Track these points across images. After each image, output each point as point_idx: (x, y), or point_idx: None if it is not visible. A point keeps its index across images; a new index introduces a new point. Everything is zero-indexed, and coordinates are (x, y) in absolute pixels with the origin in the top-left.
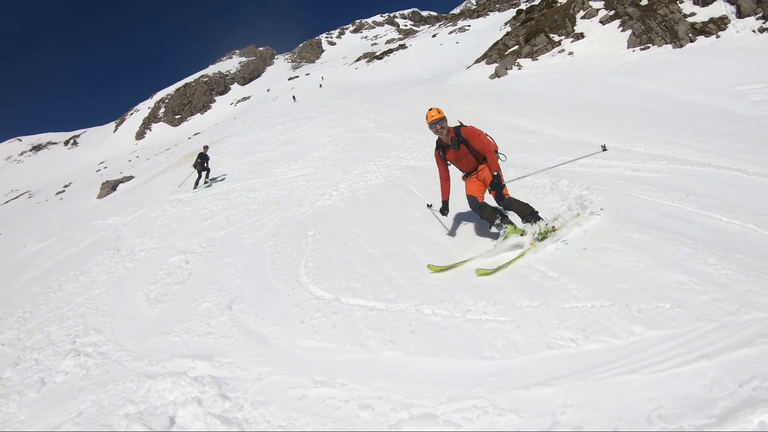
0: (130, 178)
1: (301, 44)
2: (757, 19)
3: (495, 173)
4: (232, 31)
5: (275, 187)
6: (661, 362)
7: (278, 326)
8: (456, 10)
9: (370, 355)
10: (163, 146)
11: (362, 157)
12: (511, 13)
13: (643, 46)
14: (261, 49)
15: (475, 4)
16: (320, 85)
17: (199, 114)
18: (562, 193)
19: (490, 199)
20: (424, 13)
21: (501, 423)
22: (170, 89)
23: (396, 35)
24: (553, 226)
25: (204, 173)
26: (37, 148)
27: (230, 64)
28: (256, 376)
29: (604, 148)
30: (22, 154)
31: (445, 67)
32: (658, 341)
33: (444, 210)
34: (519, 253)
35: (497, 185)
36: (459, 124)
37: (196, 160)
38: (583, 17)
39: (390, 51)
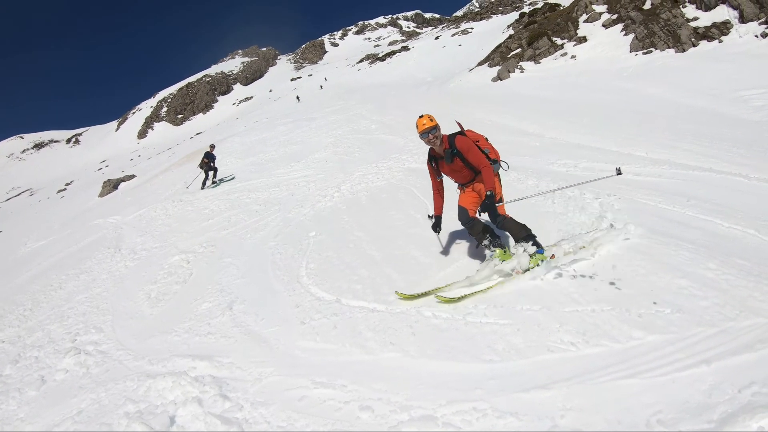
0: (132, 177)
1: (303, 45)
2: (760, 24)
3: (488, 192)
4: (234, 31)
5: (277, 187)
6: (661, 367)
7: (279, 327)
8: (459, 13)
9: (371, 357)
10: (165, 145)
11: (364, 159)
12: (514, 16)
13: (645, 50)
14: (264, 49)
15: (478, 6)
16: (321, 87)
17: (201, 114)
18: (580, 209)
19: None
20: (427, 15)
21: (501, 426)
22: (173, 88)
23: (399, 37)
24: (552, 254)
25: (211, 173)
26: (39, 145)
27: (233, 64)
28: (257, 376)
29: (619, 172)
30: (24, 151)
31: (447, 69)
32: (658, 346)
33: (436, 226)
34: (494, 282)
35: (488, 206)
36: (453, 133)
37: (202, 160)
38: (586, 21)
39: (392, 53)
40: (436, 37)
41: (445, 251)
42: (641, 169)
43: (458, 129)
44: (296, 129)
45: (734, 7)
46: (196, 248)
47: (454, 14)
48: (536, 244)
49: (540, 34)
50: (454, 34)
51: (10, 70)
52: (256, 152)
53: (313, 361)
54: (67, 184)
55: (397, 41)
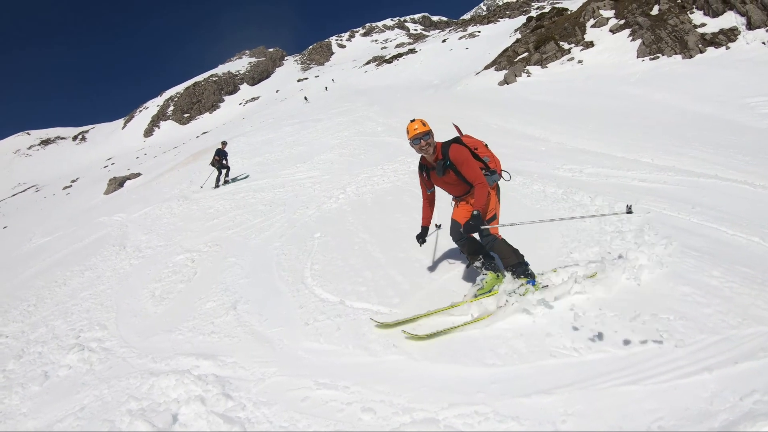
0: (138, 175)
1: (311, 46)
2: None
3: (475, 212)
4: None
5: (282, 188)
6: (663, 374)
7: (282, 327)
8: (466, 16)
9: (374, 359)
10: (171, 144)
11: (370, 161)
12: (522, 20)
13: (652, 56)
14: (271, 50)
15: (485, 10)
16: (326, 88)
17: (207, 113)
18: (584, 213)
19: None
20: (435, 18)
21: (502, 430)
22: (180, 87)
23: (406, 39)
24: (546, 285)
25: (224, 171)
26: (45, 142)
27: (240, 64)
28: (260, 376)
29: (629, 210)
30: (30, 147)
31: (454, 72)
32: (661, 353)
33: (420, 237)
34: (475, 317)
35: (471, 228)
36: (448, 141)
37: (214, 158)
38: (593, 26)
39: (399, 55)
40: (444, 40)
41: (445, 256)
42: (647, 175)
43: (455, 134)
44: (302, 130)
45: (742, 14)
46: (201, 247)
47: (462, 17)
48: (527, 273)
49: (547, 39)
50: (461, 38)
51: (18, 66)
52: (262, 152)
53: (317, 362)
54: (73, 181)
55: (404, 43)
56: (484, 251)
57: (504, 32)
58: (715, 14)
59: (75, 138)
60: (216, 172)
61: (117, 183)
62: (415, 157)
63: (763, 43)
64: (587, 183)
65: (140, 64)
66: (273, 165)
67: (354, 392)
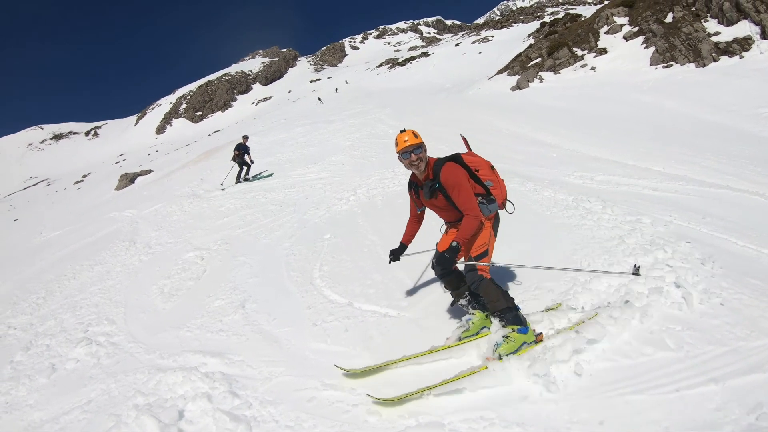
0: (149, 171)
1: (324, 47)
2: None
3: (454, 243)
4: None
5: (293, 188)
6: (669, 384)
7: (290, 327)
8: (480, 20)
9: (381, 361)
10: (183, 142)
11: (381, 163)
12: (535, 25)
13: (665, 64)
14: (284, 50)
15: (499, 14)
16: (336, 89)
17: (219, 112)
18: (596, 220)
19: None
20: (448, 22)
21: None
22: (192, 86)
23: (419, 42)
24: (540, 334)
25: (245, 168)
26: (58, 137)
27: (253, 63)
28: (267, 375)
29: (636, 272)
30: (42, 142)
31: (466, 76)
32: (667, 363)
33: (394, 254)
34: (454, 375)
35: (444, 260)
36: (442, 159)
37: (234, 153)
38: (606, 32)
39: (412, 58)
40: (457, 44)
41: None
42: (658, 183)
43: (451, 151)
44: (314, 131)
45: (756, 23)
46: (211, 245)
47: (475, 21)
48: (518, 320)
49: (560, 45)
50: (474, 42)
51: (34, 62)
52: (273, 152)
53: (324, 362)
54: (85, 176)
55: (417, 47)
56: (471, 289)
57: (517, 37)
58: (730, 23)
59: (87, 133)
60: (236, 168)
61: (128, 179)
62: None
63: None
64: (598, 191)
65: (153, 62)
66: (284, 165)
67: (360, 394)
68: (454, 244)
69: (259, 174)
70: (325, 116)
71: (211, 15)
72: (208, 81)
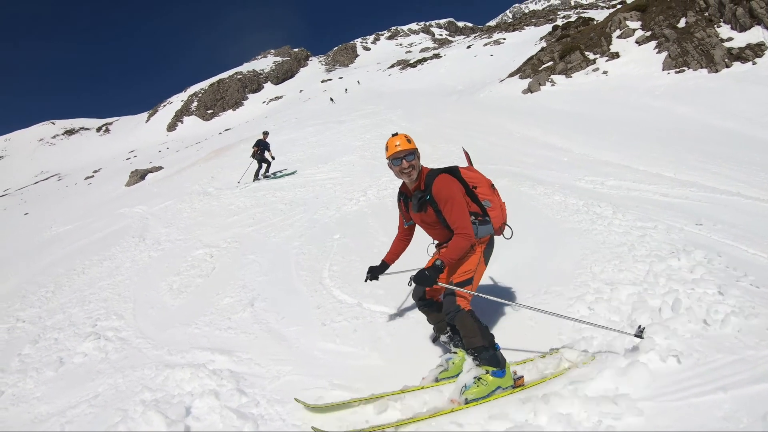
0: (160, 168)
1: (336, 47)
2: None
3: (438, 261)
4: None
5: (303, 188)
6: (678, 392)
7: (299, 327)
8: (492, 23)
9: (389, 363)
10: (194, 139)
11: None
12: (547, 28)
13: (678, 69)
14: (296, 50)
15: (511, 17)
16: (345, 90)
17: (231, 110)
18: (607, 225)
19: None
20: (460, 24)
21: (515, 431)
22: (204, 84)
23: (431, 44)
24: (521, 378)
25: (265, 165)
26: (69, 132)
27: (265, 62)
28: (275, 374)
29: (640, 335)
30: (54, 137)
31: (478, 79)
32: (676, 370)
33: (371, 272)
34: (426, 414)
35: (421, 279)
36: (436, 170)
37: (253, 149)
38: (619, 36)
39: (424, 60)
40: (468, 46)
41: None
42: (669, 189)
43: (461, 154)
44: (325, 131)
45: None
46: (220, 243)
47: (487, 24)
48: (494, 361)
49: (572, 48)
50: (486, 44)
51: (47, 58)
52: (284, 151)
53: (332, 362)
54: (95, 172)
55: (428, 48)
56: (451, 324)
57: (529, 40)
58: (743, 29)
59: (99, 129)
60: (255, 165)
61: (138, 176)
62: (437, 163)
63: None
64: (609, 195)
65: (165, 60)
66: (295, 164)
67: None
68: (438, 262)
69: (280, 172)
70: (335, 116)
71: (223, 14)
72: (220, 79)
